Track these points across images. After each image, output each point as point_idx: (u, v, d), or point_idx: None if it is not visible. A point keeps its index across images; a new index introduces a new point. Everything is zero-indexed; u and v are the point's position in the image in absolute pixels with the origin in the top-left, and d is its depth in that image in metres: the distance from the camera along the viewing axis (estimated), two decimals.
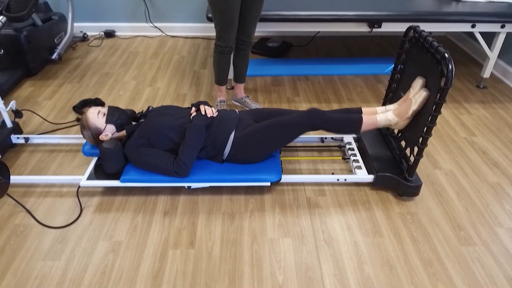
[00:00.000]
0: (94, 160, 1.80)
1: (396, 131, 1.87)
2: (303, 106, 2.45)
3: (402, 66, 1.84)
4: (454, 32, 2.44)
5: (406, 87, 1.75)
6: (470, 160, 2.00)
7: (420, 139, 1.59)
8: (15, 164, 1.95)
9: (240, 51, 2.21)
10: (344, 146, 2.02)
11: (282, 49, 3.17)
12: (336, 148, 2.08)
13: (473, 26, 2.42)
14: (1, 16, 2.41)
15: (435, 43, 1.51)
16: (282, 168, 1.83)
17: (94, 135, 1.70)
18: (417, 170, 1.92)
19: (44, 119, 2.28)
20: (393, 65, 1.94)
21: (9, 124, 2.04)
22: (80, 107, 2.38)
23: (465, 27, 2.44)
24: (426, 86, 1.62)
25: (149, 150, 1.62)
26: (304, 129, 1.65)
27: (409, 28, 1.73)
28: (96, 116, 1.69)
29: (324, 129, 1.65)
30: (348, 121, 1.65)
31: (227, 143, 1.65)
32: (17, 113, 2.06)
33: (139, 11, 3.44)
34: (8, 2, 2.52)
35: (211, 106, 1.75)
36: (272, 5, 2.40)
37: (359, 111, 1.74)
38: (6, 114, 2.01)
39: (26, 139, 2.05)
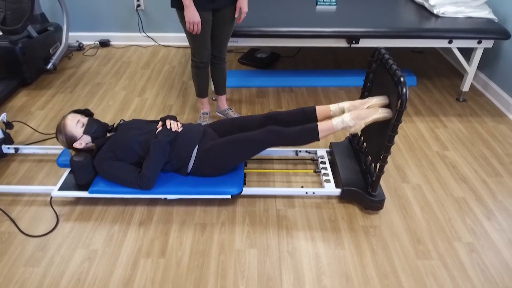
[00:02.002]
0: (67, 171, 1.91)
1: (364, 144, 1.95)
2: None
3: (370, 84, 1.91)
4: (432, 47, 2.49)
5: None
6: (439, 174, 2.07)
7: (381, 156, 1.67)
8: (5, 174, 2.06)
9: (215, 65, 2.31)
10: (317, 160, 2.10)
11: (270, 60, 3.25)
12: (310, 161, 2.16)
13: (450, 42, 2.49)
14: None
15: (394, 66, 1.59)
16: (245, 181, 1.93)
17: (68, 141, 1.78)
18: (386, 184, 2.00)
19: (35, 129, 2.40)
20: None
21: (0, 135, 2.16)
22: None
23: (442, 43, 2.50)
24: (389, 105, 1.69)
25: (115, 164, 1.72)
26: (263, 147, 1.74)
27: (375, 50, 1.81)
28: (74, 124, 1.76)
29: (283, 145, 1.74)
30: (304, 133, 1.72)
31: (191, 157, 1.75)
32: (8, 125, 2.18)
33: (133, 21, 3.55)
34: (4, 16, 2.65)
35: (177, 121, 1.85)
36: (254, 21, 2.49)
37: (313, 110, 1.83)
38: None
39: (16, 149, 2.17)
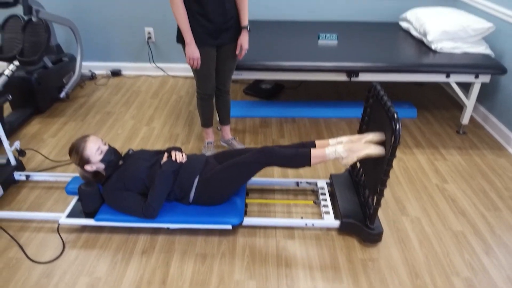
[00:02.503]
0: (75, 198, 1.99)
1: (363, 177, 1.99)
2: None
3: (367, 118, 1.98)
4: (430, 81, 2.56)
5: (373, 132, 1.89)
6: (438, 207, 2.10)
7: (378, 189, 1.71)
8: (16, 200, 2.14)
9: (219, 97, 2.41)
10: (317, 191, 2.15)
11: (274, 91, 3.35)
12: (310, 191, 2.21)
13: (447, 76, 2.56)
14: (15, 61, 2.68)
15: (389, 103, 1.66)
16: (246, 211, 1.98)
17: (81, 162, 1.80)
18: (384, 216, 2.03)
19: (46, 157, 2.49)
20: None
21: (13, 162, 2.25)
22: None
23: (440, 78, 2.58)
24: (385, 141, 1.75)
25: (123, 194, 1.79)
26: (257, 167, 1.80)
27: (371, 85, 1.88)
28: (94, 151, 1.78)
29: (276, 165, 1.80)
30: (297, 156, 1.78)
31: (193, 187, 1.81)
32: (20, 152, 2.28)
33: (144, 52, 3.70)
34: (22, 48, 2.79)
35: (182, 152, 1.92)
36: (258, 55, 2.60)
37: (312, 145, 1.90)
38: (11, 153, 2.23)
39: (27, 176, 2.26)
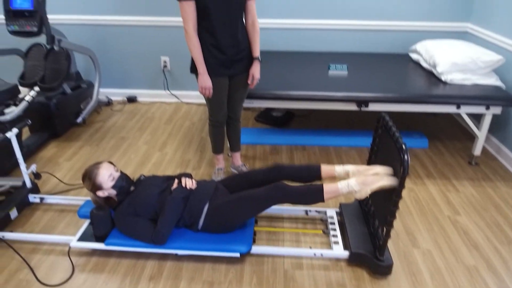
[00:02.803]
0: (86, 222, 2.02)
1: (372, 207, 1.98)
2: None
3: (376, 148, 1.99)
4: (441, 112, 2.58)
5: (382, 162, 1.89)
6: (450, 240, 2.06)
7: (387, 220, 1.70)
8: (29, 222, 2.19)
9: (230, 125, 2.46)
10: (327, 220, 2.14)
11: (285, 119, 3.40)
12: (319, 221, 2.20)
13: (458, 108, 2.57)
14: (36, 87, 2.80)
15: (397, 134, 1.68)
16: (255, 239, 1.97)
17: (93, 188, 1.84)
18: (395, 248, 2.00)
19: (60, 180, 2.55)
20: None
21: (28, 184, 2.31)
22: None
23: (450, 109, 2.59)
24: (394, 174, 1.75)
25: (134, 219, 1.81)
26: (269, 204, 1.80)
27: (379, 116, 1.91)
28: (106, 177, 1.82)
29: (289, 202, 1.80)
30: (310, 192, 1.78)
31: (202, 214, 1.83)
32: (36, 175, 2.34)
33: (159, 80, 3.82)
34: (43, 74, 2.92)
35: (192, 178, 1.95)
36: (269, 84, 2.67)
37: (318, 168, 1.91)
38: (27, 176, 2.29)
39: (42, 199, 2.31)
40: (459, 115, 2.90)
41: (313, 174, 1.95)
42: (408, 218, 2.23)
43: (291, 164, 2.00)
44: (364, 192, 1.75)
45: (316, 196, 1.78)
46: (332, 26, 3.45)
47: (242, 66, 2.21)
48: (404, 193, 2.45)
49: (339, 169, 1.91)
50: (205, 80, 2.12)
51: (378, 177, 1.74)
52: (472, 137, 3.16)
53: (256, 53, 2.21)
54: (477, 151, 2.72)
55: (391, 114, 3.58)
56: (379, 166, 1.82)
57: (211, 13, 1.99)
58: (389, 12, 3.38)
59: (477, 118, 2.93)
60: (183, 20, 2.01)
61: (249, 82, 2.25)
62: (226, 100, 2.30)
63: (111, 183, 1.83)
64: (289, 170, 1.97)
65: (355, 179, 1.77)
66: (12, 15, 2.78)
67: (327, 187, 1.78)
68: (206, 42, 2.07)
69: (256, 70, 2.22)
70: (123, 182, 1.87)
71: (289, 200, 1.80)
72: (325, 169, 1.95)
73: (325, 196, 1.77)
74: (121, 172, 1.90)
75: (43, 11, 2.76)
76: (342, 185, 1.78)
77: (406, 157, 1.56)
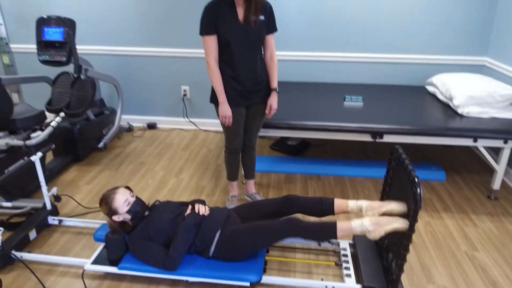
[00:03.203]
0: (101, 246, 2.06)
1: (386, 241, 1.95)
2: None
3: (390, 181, 1.98)
4: (457, 145, 2.55)
5: (395, 196, 1.88)
6: (467, 276, 2.00)
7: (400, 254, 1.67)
8: (47, 243, 2.25)
9: (246, 152, 2.50)
10: (339, 252, 2.11)
11: (300, 148, 3.43)
12: (332, 252, 2.18)
13: (475, 141, 2.54)
14: (61, 113, 2.94)
15: (410, 167, 1.68)
16: (265, 268, 1.96)
17: (109, 212, 1.90)
18: (409, 282, 1.95)
19: (79, 203, 2.63)
20: None
21: (49, 206, 2.39)
22: None
23: (467, 142, 2.56)
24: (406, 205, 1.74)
25: (147, 244, 1.84)
26: (282, 237, 1.80)
27: (393, 149, 1.91)
28: (122, 202, 1.88)
29: (301, 238, 1.80)
30: (323, 229, 1.78)
31: (213, 241, 1.84)
32: (56, 198, 2.42)
33: (178, 107, 3.94)
34: (69, 101, 3.06)
35: (205, 205, 1.98)
36: (284, 114, 2.72)
37: (331, 202, 1.91)
38: (48, 198, 2.37)
39: (60, 221, 2.38)
40: (477, 147, 2.86)
41: (326, 208, 1.95)
42: (424, 252, 2.18)
43: (304, 197, 2.00)
44: (377, 232, 1.74)
45: (329, 234, 1.78)
46: (349, 58, 3.52)
47: (259, 97, 2.28)
48: (420, 226, 2.40)
49: (352, 204, 1.91)
50: (226, 109, 2.19)
51: (392, 218, 1.73)
52: (491, 170, 3.10)
53: (274, 84, 2.28)
54: (496, 185, 2.66)
55: (408, 145, 3.56)
56: (393, 202, 1.81)
57: (232, 47, 2.09)
58: (406, 46, 3.43)
59: (495, 151, 2.88)
60: (205, 53, 2.12)
61: (266, 112, 2.31)
62: (243, 128, 2.36)
63: (126, 208, 1.87)
64: (302, 202, 1.98)
65: (369, 219, 1.77)
66: (44, 45, 2.97)
67: (341, 225, 1.77)
68: (226, 73, 2.16)
69: (273, 101, 2.29)
70: (138, 207, 1.91)
71: (302, 235, 1.79)
72: (338, 203, 1.95)
73: (338, 234, 1.77)
74: (136, 197, 1.95)
75: (73, 43, 2.94)
76: (356, 224, 1.77)
77: (418, 190, 1.55)
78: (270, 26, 2.18)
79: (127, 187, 2.00)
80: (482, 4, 3.22)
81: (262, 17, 2.11)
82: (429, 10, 3.29)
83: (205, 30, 2.07)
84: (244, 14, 2.07)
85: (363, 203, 1.87)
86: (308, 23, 3.46)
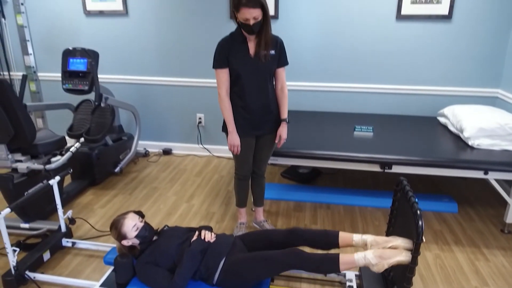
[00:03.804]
0: (110, 269, 2.11)
1: (391, 273, 1.94)
2: None
3: (396, 212, 1.99)
4: (465, 178, 2.53)
5: (400, 228, 1.88)
6: None
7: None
8: (59, 265, 2.32)
9: (254, 179, 2.55)
10: (345, 283, 2.10)
11: (311, 176, 3.45)
12: (338, 283, 2.16)
13: (485, 173, 2.52)
14: (81, 138, 3.08)
15: (413, 199, 1.69)
16: None
17: (119, 237, 1.95)
18: None
19: (92, 226, 2.71)
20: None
21: (63, 229, 2.48)
22: None
23: (477, 174, 2.54)
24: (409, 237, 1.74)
25: (153, 269, 1.88)
26: (283, 269, 1.81)
27: (398, 180, 1.93)
28: (130, 227, 1.94)
29: (303, 270, 1.80)
30: (326, 261, 1.78)
31: (218, 268, 1.86)
32: (71, 221, 2.51)
33: (193, 134, 4.06)
34: (89, 127, 3.21)
35: (212, 232, 2.02)
36: (294, 143, 2.77)
37: (336, 235, 1.90)
38: (63, 221, 2.47)
39: (73, 243, 2.45)
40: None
41: (331, 241, 1.96)
42: (433, 286, 2.14)
43: (309, 229, 2.01)
44: (381, 265, 1.74)
45: (332, 266, 1.78)
46: (361, 89, 3.59)
47: (269, 127, 2.35)
48: (430, 259, 2.37)
49: (357, 238, 1.92)
50: (234, 138, 2.27)
51: (396, 251, 1.73)
52: (505, 203, 3.03)
53: (284, 115, 2.35)
54: (510, 218, 2.60)
55: (421, 176, 3.54)
56: (399, 238, 1.81)
57: (243, 80, 2.19)
58: (418, 78, 3.47)
59: (508, 183, 2.84)
60: (217, 85, 2.23)
61: (276, 141, 2.38)
62: (252, 157, 2.42)
63: (135, 233, 1.93)
64: (307, 235, 1.98)
65: (372, 252, 1.77)
66: (68, 75, 3.16)
67: (343, 258, 1.77)
68: (237, 104, 2.26)
69: (283, 131, 2.35)
70: (146, 232, 1.97)
71: (304, 267, 1.80)
72: (343, 236, 1.95)
73: (341, 267, 1.77)
74: (145, 223, 2.01)
75: (95, 73, 3.11)
76: (358, 257, 1.77)
77: (420, 223, 1.56)
78: (281, 60, 2.28)
79: (139, 212, 2.07)
80: (494, 36, 3.26)
81: (272, 52, 2.21)
82: (442, 43, 3.35)
83: (217, 63, 2.19)
84: (255, 49, 2.17)
85: (368, 238, 1.88)
86: (321, 54, 3.56)
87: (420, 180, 3.46)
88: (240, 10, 2.00)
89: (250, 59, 2.18)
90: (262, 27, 2.11)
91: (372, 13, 3.36)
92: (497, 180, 2.58)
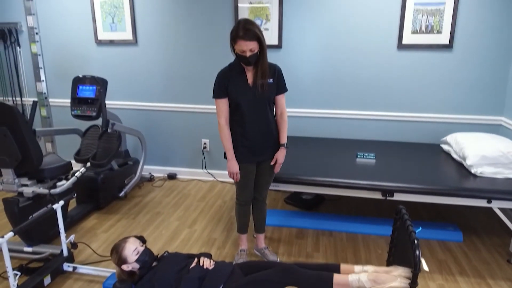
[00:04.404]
0: None
1: None
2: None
3: (396, 241, 1.97)
4: (470, 206, 2.49)
5: (400, 257, 1.86)
6: None
7: None
8: None
9: (255, 205, 2.57)
10: None
11: (314, 203, 3.44)
12: None
13: (489, 202, 2.49)
14: (88, 163, 3.14)
15: (411, 228, 1.68)
16: None
17: (119, 261, 1.97)
18: None
19: (94, 251, 2.72)
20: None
21: (65, 253, 2.50)
22: None
23: (481, 203, 2.51)
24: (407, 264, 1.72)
25: None
26: (278, 286, 1.80)
27: (397, 209, 1.93)
28: (131, 251, 1.97)
29: (297, 286, 1.79)
30: (319, 280, 1.77)
31: None
32: (73, 245, 2.53)
33: (198, 159, 4.10)
34: (95, 152, 3.28)
35: (211, 259, 2.02)
36: (295, 169, 2.79)
37: (336, 268, 1.88)
38: (65, 245, 2.49)
39: (74, 268, 2.46)
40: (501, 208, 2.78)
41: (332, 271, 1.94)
42: None
43: (309, 263, 1.99)
44: None
45: (325, 286, 1.77)
46: (363, 116, 3.62)
47: (269, 153, 2.38)
48: None
49: (358, 269, 1.90)
50: (233, 165, 2.31)
51: (392, 277, 1.72)
52: (511, 232, 2.98)
53: (283, 140, 2.39)
54: None
55: (425, 204, 3.50)
56: (400, 268, 1.79)
57: (242, 108, 2.25)
58: (421, 105, 3.50)
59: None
60: (217, 114, 2.30)
61: (271, 164, 2.40)
62: (253, 183, 2.44)
63: (135, 257, 1.95)
64: (303, 278, 1.96)
65: (367, 275, 1.76)
66: (77, 101, 3.26)
67: (337, 279, 1.77)
68: (236, 132, 2.31)
69: (280, 155, 2.38)
70: (146, 257, 1.98)
71: (298, 285, 1.79)
72: (345, 269, 1.93)
73: (335, 287, 1.76)
74: (146, 247, 2.03)
75: (103, 99, 3.21)
76: (352, 278, 1.76)
77: (417, 252, 1.55)
78: (280, 87, 2.34)
79: (140, 237, 2.09)
80: (496, 64, 3.30)
81: (271, 80, 2.28)
82: (443, 71, 3.39)
83: (217, 94, 2.26)
84: (253, 78, 2.24)
85: (369, 269, 1.86)
86: (323, 82, 3.62)
87: (425, 208, 3.42)
88: (237, 42, 2.08)
89: (249, 88, 2.24)
90: (259, 58, 2.18)
91: (373, 43, 3.44)
92: (501, 209, 2.55)
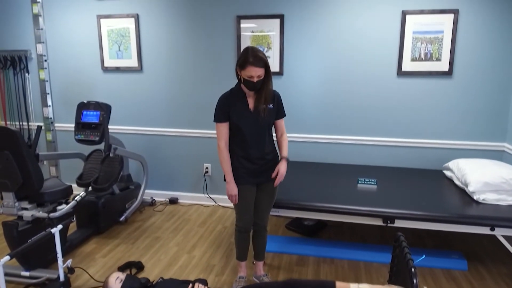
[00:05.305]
0: None
1: None
2: None
3: (395, 268, 1.93)
4: (473, 233, 2.45)
5: (401, 284, 1.81)
6: None
7: None
8: None
9: (256, 232, 2.54)
10: None
11: (316, 229, 3.39)
12: None
13: (492, 229, 2.45)
14: (89, 187, 3.16)
15: (408, 255, 1.65)
16: None
17: None
18: None
19: (91, 276, 2.69)
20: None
21: (62, 278, 2.47)
22: (124, 268, 2.77)
23: (483, 230, 2.47)
24: None
25: None
26: None
27: (396, 237, 1.90)
28: (113, 281, 2.05)
29: None
30: (321, 286, 1.73)
31: None
32: (70, 270, 2.51)
33: (200, 184, 4.10)
34: (97, 176, 3.30)
35: (206, 285, 1.99)
36: (296, 195, 2.78)
37: (332, 285, 1.85)
38: (62, 270, 2.46)
39: None
40: (507, 236, 2.72)
41: None
42: None
43: (305, 280, 1.98)
44: None
45: None
46: (365, 142, 3.62)
47: (268, 175, 2.39)
48: None
49: (354, 287, 1.86)
50: (232, 188, 2.31)
51: None
52: None
53: (284, 153, 2.39)
54: None
55: (429, 230, 3.43)
56: (395, 287, 1.76)
57: (243, 132, 2.29)
58: (423, 131, 3.50)
59: None
60: (217, 137, 2.33)
61: (273, 176, 2.35)
62: (253, 207, 2.43)
63: (119, 285, 1.97)
64: (303, 284, 1.94)
65: (368, 285, 1.74)
66: (81, 126, 3.32)
67: (339, 286, 1.74)
68: (237, 154, 2.33)
69: (282, 166, 2.34)
70: (132, 283, 1.99)
71: None
72: (340, 286, 1.90)
73: None
74: (128, 274, 2.06)
75: (106, 125, 3.26)
76: (353, 287, 1.74)
77: (415, 281, 1.51)
78: (279, 112, 2.39)
79: (128, 264, 2.11)
80: (497, 90, 3.31)
81: (271, 106, 2.31)
82: (444, 97, 3.41)
83: (218, 118, 2.29)
84: (254, 103, 2.28)
85: (365, 286, 1.83)
86: (324, 108, 3.66)
87: (429, 234, 3.36)
88: (246, 68, 2.13)
89: (250, 113, 2.28)
90: (263, 84, 2.23)
91: (373, 69, 3.49)
92: (505, 237, 2.49)
